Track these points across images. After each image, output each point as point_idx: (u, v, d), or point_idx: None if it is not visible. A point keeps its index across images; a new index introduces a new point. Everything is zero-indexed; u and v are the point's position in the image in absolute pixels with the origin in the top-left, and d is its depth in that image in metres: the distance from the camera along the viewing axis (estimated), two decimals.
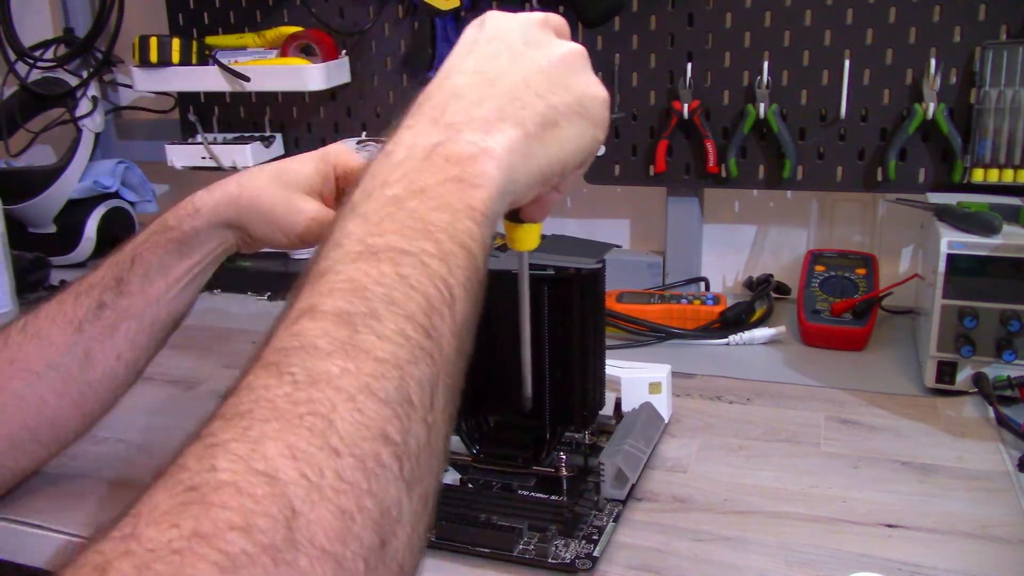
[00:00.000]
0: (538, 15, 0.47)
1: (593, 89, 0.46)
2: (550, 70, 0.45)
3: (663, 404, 0.71)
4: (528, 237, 0.51)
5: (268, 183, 0.63)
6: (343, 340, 0.31)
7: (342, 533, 0.27)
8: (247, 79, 1.13)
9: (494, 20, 0.47)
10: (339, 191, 0.66)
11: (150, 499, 0.27)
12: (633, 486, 0.62)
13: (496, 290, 0.43)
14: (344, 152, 0.66)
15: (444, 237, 0.36)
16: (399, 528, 0.30)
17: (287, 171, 0.64)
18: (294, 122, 1.25)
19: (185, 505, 0.26)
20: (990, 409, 0.72)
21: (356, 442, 0.29)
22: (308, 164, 0.65)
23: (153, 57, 1.16)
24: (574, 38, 0.48)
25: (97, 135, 1.31)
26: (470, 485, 0.64)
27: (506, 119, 0.42)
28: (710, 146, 1.03)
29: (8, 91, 1.27)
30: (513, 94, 0.43)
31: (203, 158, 1.20)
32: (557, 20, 0.48)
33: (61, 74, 1.28)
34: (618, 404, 0.70)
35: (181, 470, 0.28)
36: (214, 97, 1.27)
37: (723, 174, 1.03)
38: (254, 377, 0.31)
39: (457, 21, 1.10)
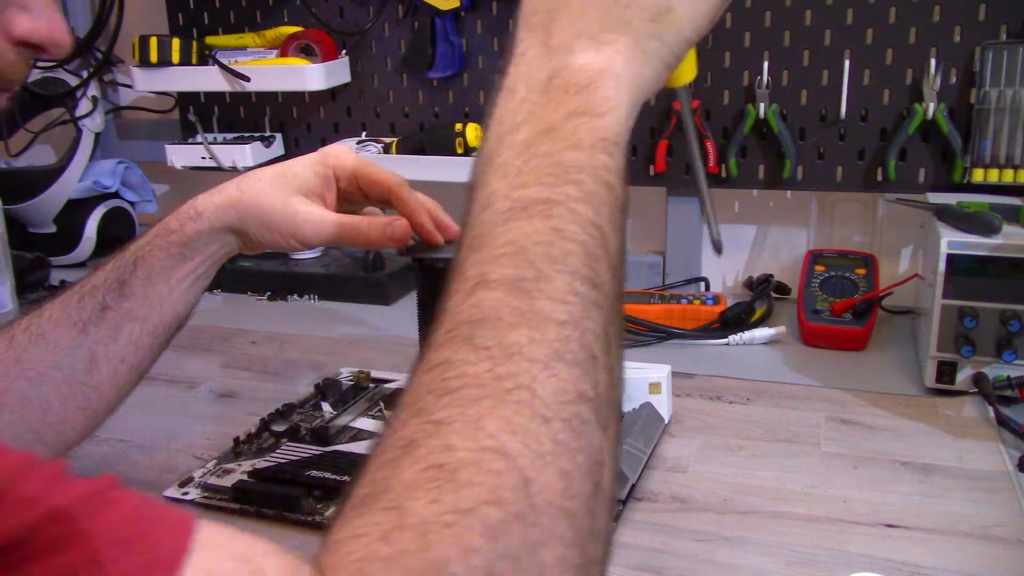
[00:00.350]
0: None
1: None
2: None
3: (663, 404, 0.71)
4: (683, 69, 0.45)
5: (268, 186, 0.63)
6: (523, 310, 0.33)
7: (567, 490, 0.31)
8: (247, 79, 1.13)
9: None
10: (339, 192, 0.66)
11: (397, 473, 0.30)
12: (633, 486, 0.62)
13: None
14: (344, 153, 0.66)
15: (584, 177, 0.36)
16: (605, 469, 0.33)
17: (287, 174, 0.64)
18: (294, 122, 1.25)
19: (436, 482, 0.29)
20: (990, 409, 0.72)
21: (560, 407, 0.32)
22: (308, 167, 0.65)
23: (153, 57, 1.16)
24: None
25: (97, 135, 1.31)
26: None
27: (613, 27, 0.40)
28: (710, 146, 1.03)
29: None
30: None
31: (203, 158, 1.20)
32: None
33: (61, 74, 1.28)
34: None
35: (415, 446, 0.31)
36: (214, 97, 1.27)
37: (723, 174, 1.03)
38: (451, 351, 0.33)
39: (457, 21, 1.10)
